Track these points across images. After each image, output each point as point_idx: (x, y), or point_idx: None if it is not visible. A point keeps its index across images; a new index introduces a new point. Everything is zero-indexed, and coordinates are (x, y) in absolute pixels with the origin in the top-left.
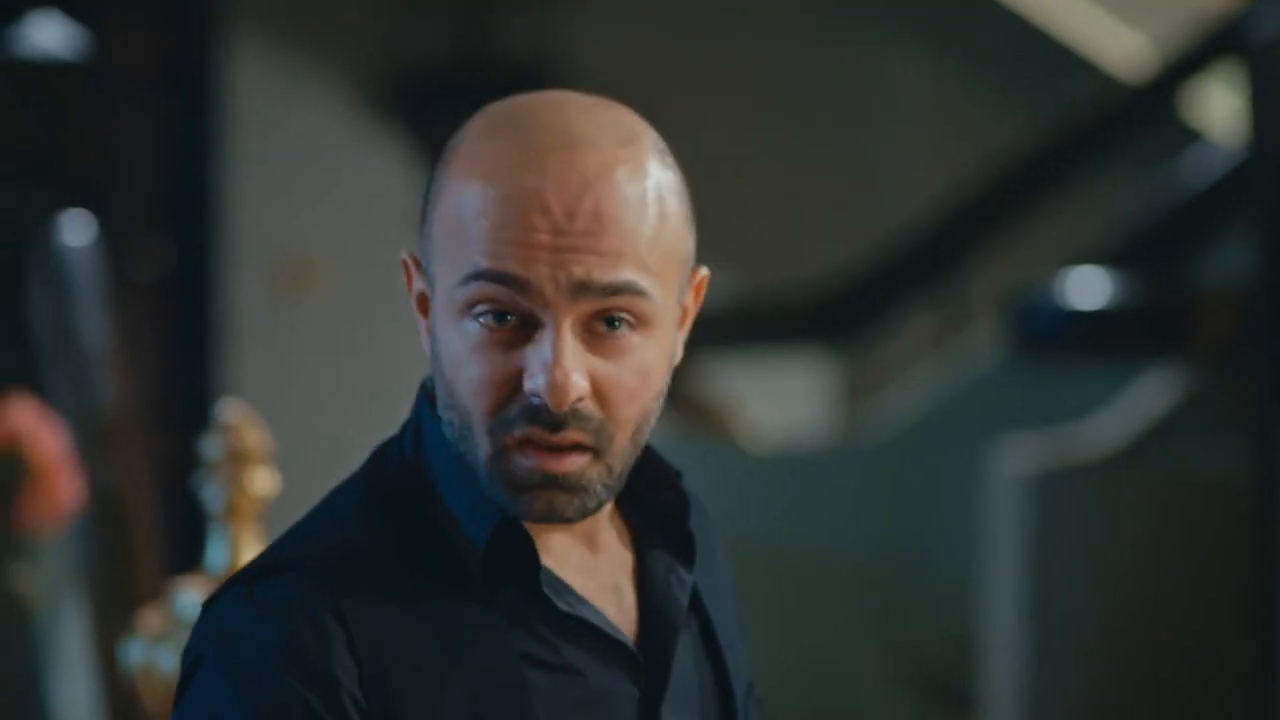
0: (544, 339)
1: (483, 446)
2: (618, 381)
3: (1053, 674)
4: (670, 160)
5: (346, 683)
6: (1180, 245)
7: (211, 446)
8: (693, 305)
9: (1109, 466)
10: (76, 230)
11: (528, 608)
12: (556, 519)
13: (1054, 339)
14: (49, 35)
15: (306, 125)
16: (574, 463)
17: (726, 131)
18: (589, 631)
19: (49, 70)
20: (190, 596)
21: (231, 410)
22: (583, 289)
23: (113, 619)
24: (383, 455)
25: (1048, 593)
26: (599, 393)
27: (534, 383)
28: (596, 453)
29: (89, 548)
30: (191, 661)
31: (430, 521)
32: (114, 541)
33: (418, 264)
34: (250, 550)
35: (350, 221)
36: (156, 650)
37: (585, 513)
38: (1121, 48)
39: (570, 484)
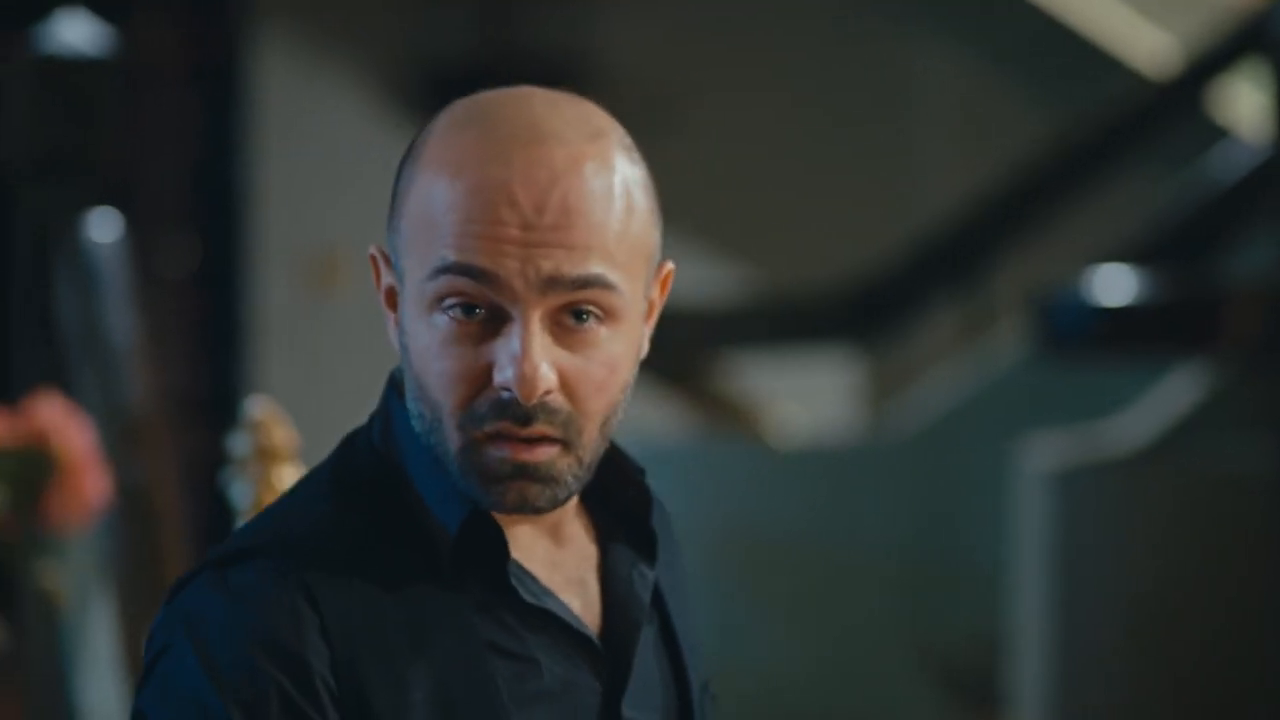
0: (513, 332)
1: (453, 440)
2: (585, 374)
3: (1079, 671)
4: (636, 155)
5: (319, 667)
6: (1207, 243)
7: (239, 443)
8: (659, 299)
9: (1135, 463)
10: (103, 227)
11: (495, 598)
12: (528, 509)
13: (1080, 336)
14: (75, 32)
15: (332, 121)
16: (544, 453)
17: (753, 128)
18: (553, 624)
19: (76, 67)
20: None
21: (259, 407)
22: (551, 283)
23: (140, 616)
24: (351, 444)
25: (1074, 589)
26: (567, 386)
27: (503, 376)
28: (566, 444)
29: (116, 545)
30: (161, 646)
31: (400, 508)
32: (141, 538)
33: (386, 258)
34: None
35: (376, 217)
36: None
37: (556, 503)
38: (1148, 45)
39: (541, 475)
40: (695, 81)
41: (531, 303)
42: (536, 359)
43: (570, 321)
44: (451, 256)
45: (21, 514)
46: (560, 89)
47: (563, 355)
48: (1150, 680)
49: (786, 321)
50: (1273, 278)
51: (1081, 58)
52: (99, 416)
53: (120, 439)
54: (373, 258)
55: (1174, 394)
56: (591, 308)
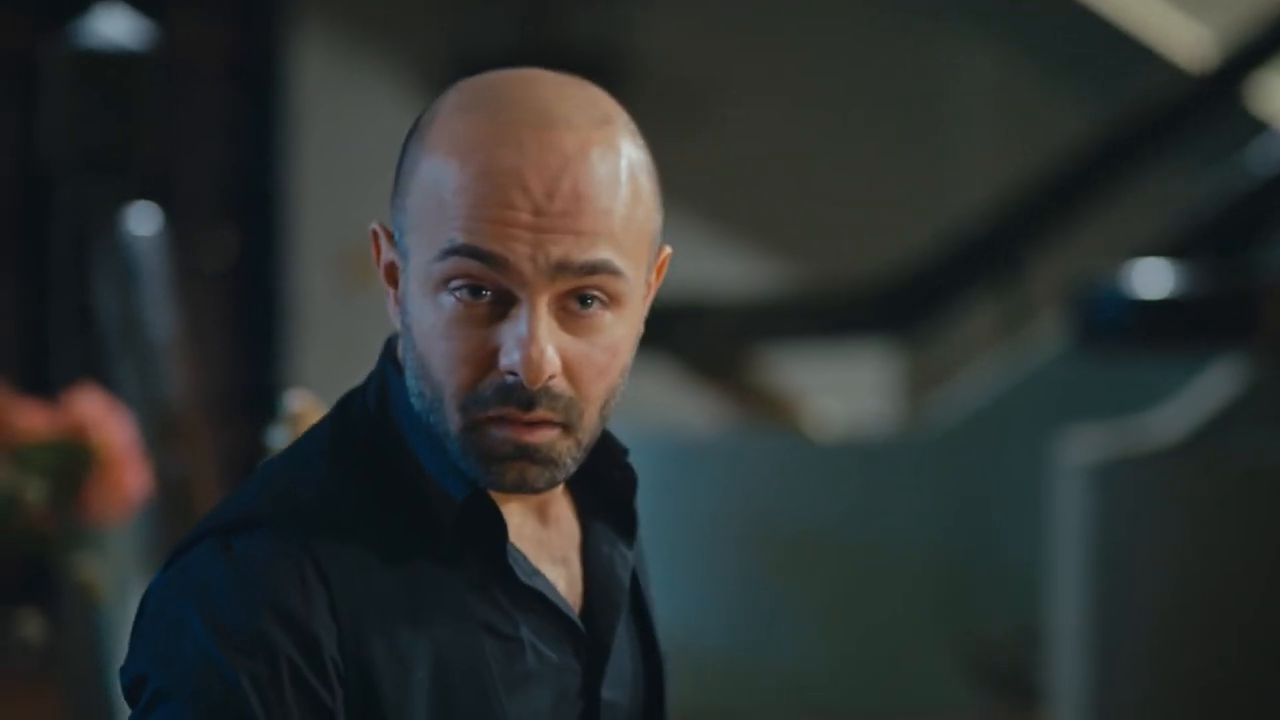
0: (519, 316)
1: (454, 420)
2: (588, 359)
3: (1118, 664)
4: (640, 140)
5: (328, 643)
6: (1245, 237)
7: (278, 436)
8: (655, 282)
9: (1173, 457)
10: (143, 221)
11: (488, 575)
12: (527, 490)
13: (1118, 330)
14: (115, 27)
15: (370, 117)
16: (545, 435)
17: (790, 123)
18: (541, 605)
19: (115, 62)
20: None
21: (298, 399)
22: (561, 268)
23: None
24: (347, 409)
25: (1113, 582)
26: (570, 370)
27: (509, 359)
28: (566, 427)
29: (155, 538)
30: (160, 609)
31: (398, 478)
32: (181, 530)
33: (389, 235)
34: None
35: None
36: None
37: (553, 484)
38: (1185, 39)
39: (541, 456)
40: (732, 77)
41: (539, 287)
42: (543, 344)
43: (575, 306)
44: (461, 239)
45: (61, 507)
46: (597, 84)
47: (567, 340)
48: (1187, 674)
49: (824, 316)
50: None
51: (1118, 51)
52: (138, 410)
53: (159, 432)
54: (374, 234)
55: (1211, 388)
56: (597, 293)
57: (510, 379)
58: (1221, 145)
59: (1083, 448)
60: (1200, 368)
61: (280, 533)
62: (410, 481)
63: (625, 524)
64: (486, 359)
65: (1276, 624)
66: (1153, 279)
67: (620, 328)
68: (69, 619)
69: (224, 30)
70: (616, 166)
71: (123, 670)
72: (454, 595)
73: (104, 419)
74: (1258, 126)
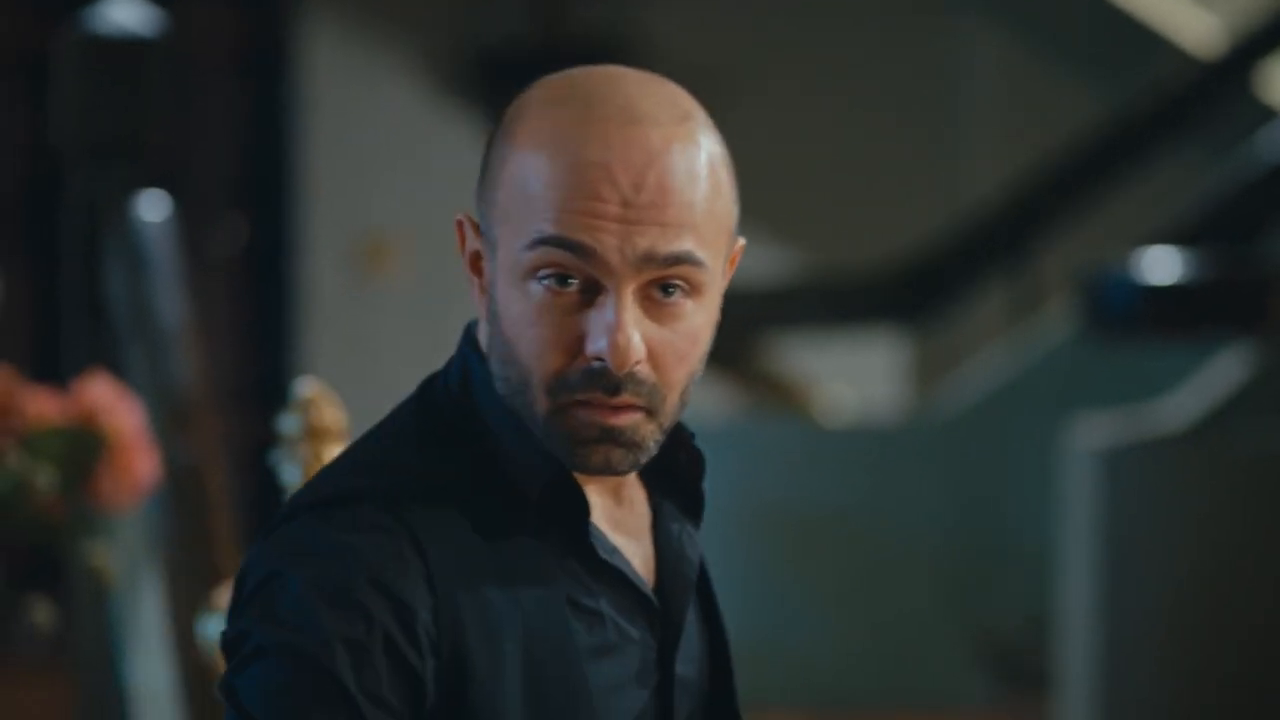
0: (606, 304)
1: (540, 404)
2: (671, 346)
3: (1127, 651)
4: (718, 135)
5: (422, 614)
6: (1253, 225)
7: (289, 423)
8: (729, 272)
9: (1183, 443)
10: (154, 208)
11: (569, 553)
12: (611, 472)
13: (1127, 318)
14: (126, 14)
15: (382, 105)
16: (630, 418)
17: (801, 111)
18: (620, 581)
19: (126, 49)
20: None
21: (309, 387)
22: (647, 259)
23: (190, 595)
24: (430, 391)
25: (1122, 569)
26: (653, 356)
27: (597, 345)
28: (649, 412)
29: (166, 525)
30: (265, 574)
31: (484, 459)
32: (190, 519)
33: (475, 226)
34: None
35: (426, 201)
36: None
37: (635, 466)
38: (1196, 27)
39: (626, 439)
40: (743, 66)
41: (626, 277)
42: (629, 331)
43: (659, 295)
44: (551, 230)
45: (71, 494)
46: (605, 67)
47: (651, 327)
48: (1196, 660)
49: (834, 302)
50: None
51: (1128, 39)
52: (148, 397)
53: (169, 420)
54: (459, 224)
55: (1219, 375)
56: (680, 282)
57: (597, 364)
58: (1230, 133)
59: (1092, 434)
60: (1209, 355)
61: (377, 507)
62: (494, 461)
63: (692, 505)
64: (574, 345)
65: None
66: (1162, 267)
67: (700, 316)
68: (79, 606)
69: (235, 18)
70: (698, 161)
71: (226, 623)
72: (538, 570)
73: (114, 406)
74: (1266, 114)
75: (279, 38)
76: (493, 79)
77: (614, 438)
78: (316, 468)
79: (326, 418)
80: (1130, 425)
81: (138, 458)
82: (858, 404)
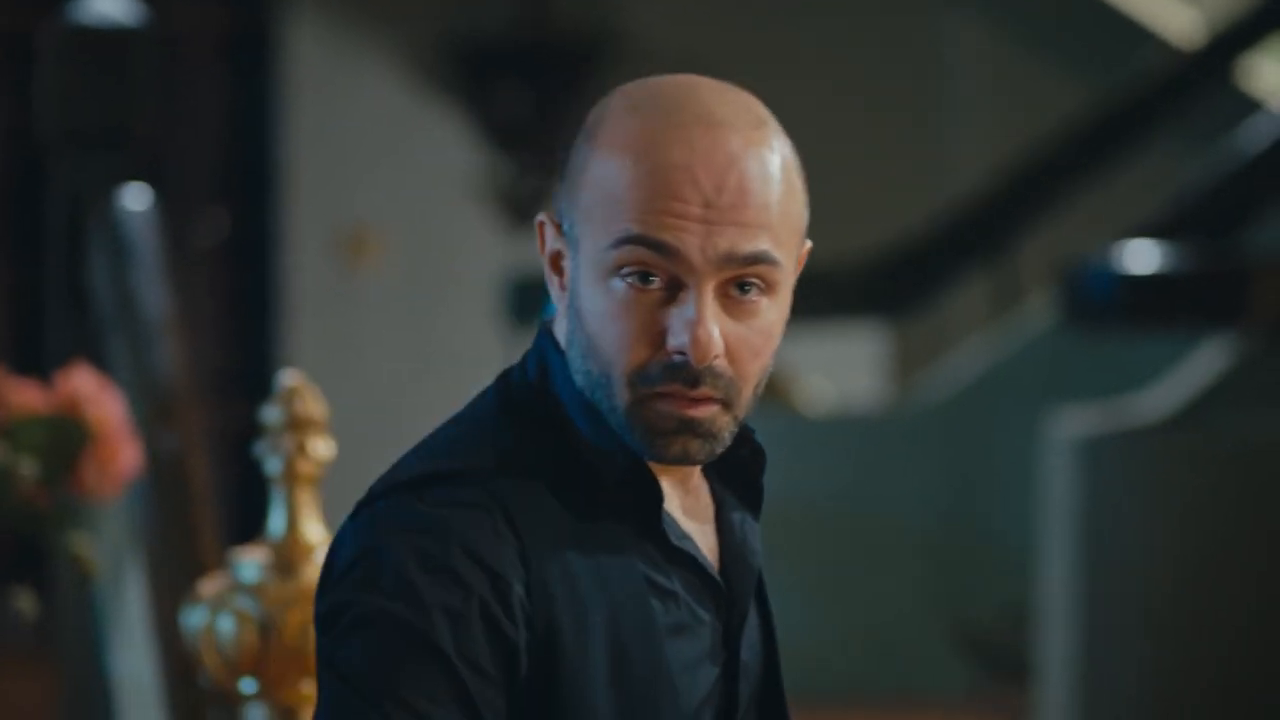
0: (688, 301)
1: (621, 396)
2: (747, 342)
3: (1106, 640)
4: (789, 140)
5: (517, 588)
6: (1234, 216)
7: (272, 414)
8: (797, 271)
9: (1162, 433)
10: (137, 198)
11: (645, 537)
12: (688, 461)
13: (1108, 309)
14: (112, 4)
15: (366, 96)
16: (708, 410)
17: (783, 102)
18: (691, 565)
19: (110, 38)
20: (250, 563)
21: (291, 378)
22: (727, 259)
23: (173, 585)
24: (507, 382)
25: (1101, 559)
26: (730, 352)
27: (678, 340)
28: (726, 404)
29: (148, 515)
30: (363, 548)
31: (565, 446)
32: (173, 509)
33: (557, 226)
34: (310, 516)
35: (409, 191)
36: (217, 616)
37: (711, 457)
38: (1177, 20)
39: (703, 430)
40: (726, 59)
41: (707, 275)
42: (710, 326)
43: (736, 293)
44: (635, 229)
45: (54, 484)
46: (591, 66)
47: (728, 324)
48: (1176, 649)
49: (816, 293)
50: None
51: (1112, 31)
52: (131, 387)
53: (152, 410)
54: (540, 224)
55: (1200, 366)
56: (756, 281)
57: (678, 358)
58: (1212, 125)
59: (1072, 425)
60: (1189, 346)
61: (470, 487)
62: (573, 449)
63: (752, 498)
64: (655, 340)
65: (1264, 600)
66: (1143, 258)
67: (774, 313)
68: (62, 596)
69: (220, 10)
70: (774, 164)
71: (319, 600)
72: (619, 551)
73: (97, 397)
74: (1247, 106)
75: (263, 30)
76: (476, 71)
77: (692, 429)
78: (300, 459)
79: (309, 409)
80: (1111, 416)
81: (120, 448)
82: (839, 395)
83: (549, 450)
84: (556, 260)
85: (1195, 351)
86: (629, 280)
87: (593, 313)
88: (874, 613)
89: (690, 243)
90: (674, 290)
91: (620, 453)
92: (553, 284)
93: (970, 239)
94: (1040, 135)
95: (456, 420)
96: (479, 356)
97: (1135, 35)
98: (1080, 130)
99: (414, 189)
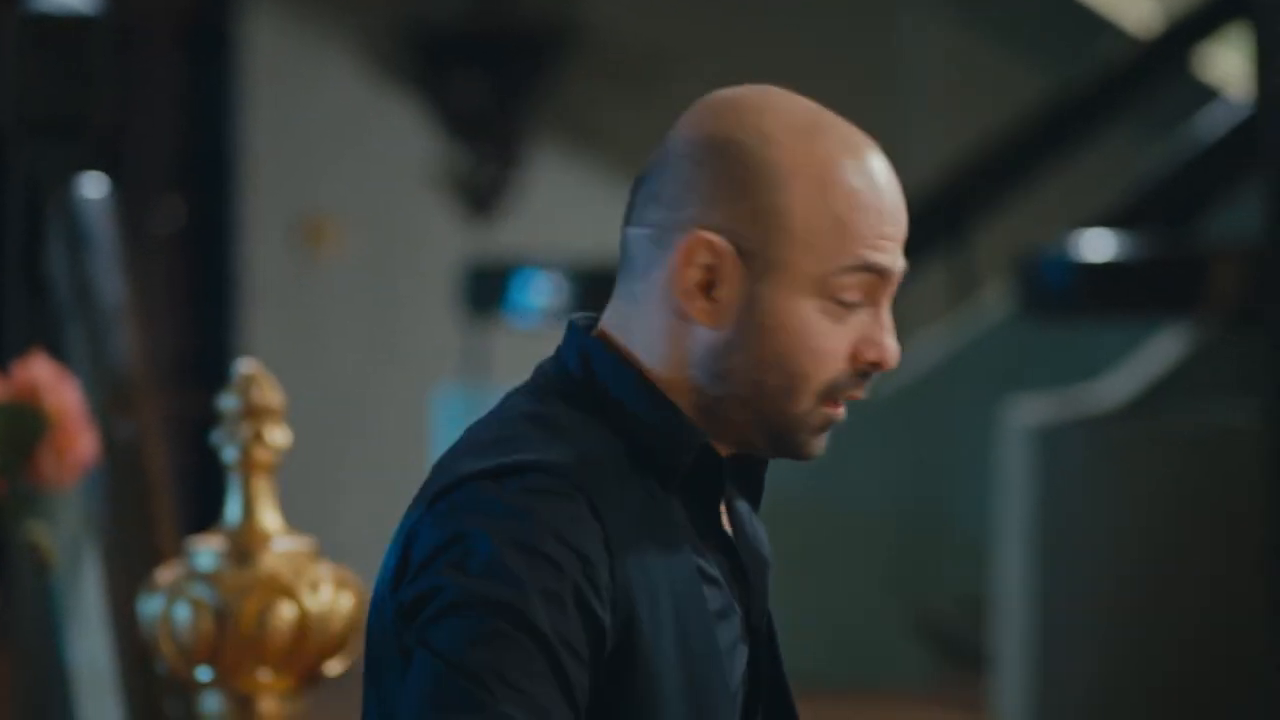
0: (876, 316)
1: (801, 403)
2: None
3: (1063, 628)
4: None
5: (603, 572)
6: (1192, 205)
7: (229, 401)
8: None
9: (1120, 420)
10: (95, 187)
11: (691, 521)
12: (816, 456)
13: (1065, 297)
14: None
15: (324, 84)
16: (844, 410)
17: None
18: (727, 551)
19: (68, 26)
20: (206, 551)
21: (248, 366)
22: (899, 276)
23: (130, 573)
24: (546, 377)
25: (1059, 546)
26: None
27: (875, 352)
28: None
29: (106, 503)
30: (450, 536)
31: (622, 436)
32: (131, 497)
33: (730, 248)
34: (267, 504)
35: (368, 180)
36: (174, 604)
37: None
38: (1136, 9)
39: (836, 427)
40: (682, 47)
41: (890, 292)
42: (893, 338)
43: None
44: (870, 257)
45: (11, 472)
46: (549, 55)
47: None
48: (1132, 637)
49: None
50: (1255, 239)
51: (1070, 20)
52: (89, 376)
53: (110, 399)
54: (702, 242)
55: (1157, 354)
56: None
57: (870, 368)
58: (1169, 114)
59: (1030, 413)
60: (1146, 334)
61: (551, 476)
62: (631, 438)
63: (754, 491)
64: (849, 352)
65: (1219, 586)
66: (1100, 246)
67: None
68: (19, 584)
69: None
70: None
71: (400, 589)
72: (675, 536)
73: (54, 385)
74: (1205, 95)
75: (221, 18)
76: (435, 60)
77: (832, 426)
78: (256, 447)
79: (266, 397)
80: (1068, 404)
81: (78, 437)
82: None
83: (609, 442)
84: (709, 275)
85: (1152, 339)
86: (839, 300)
87: (788, 328)
88: (832, 601)
89: (895, 264)
90: (861, 307)
91: (690, 438)
92: (692, 300)
93: (928, 228)
94: (998, 124)
95: (502, 416)
96: (437, 345)
97: (1093, 24)
98: (1038, 119)
99: (372, 178)
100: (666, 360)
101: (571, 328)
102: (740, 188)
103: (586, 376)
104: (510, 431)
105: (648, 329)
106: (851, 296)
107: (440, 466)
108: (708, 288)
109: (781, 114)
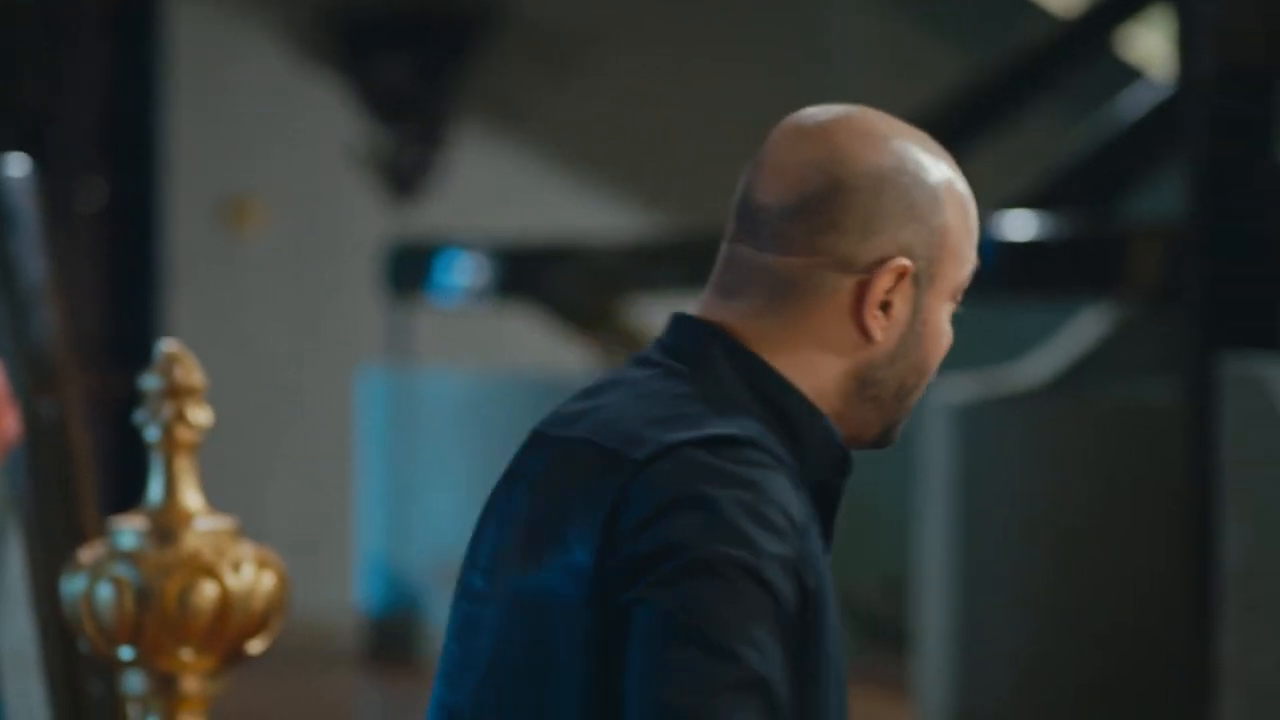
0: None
1: (917, 396)
2: None
3: (984, 607)
4: None
5: (809, 544)
6: (1113, 185)
7: (151, 381)
8: None
9: (1039, 399)
10: (18, 166)
11: (819, 511)
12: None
13: (986, 277)
14: None
15: (248, 66)
16: None
17: (667, 73)
18: (827, 544)
19: None
20: (128, 530)
21: (171, 346)
22: None
23: (53, 553)
24: (679, 374)
25: (979, 525)
26: None
27: (949, 343)
28: None
29: (29, 482)
30: (677, 498)
31: (784, 429)
32: (54, 476)
33: (914, 266)
34: (189, 483)
35: (291, 161)
36: (96, 584)
37: None
38: None
39: None
40: (608, 28)
41: None
42: None
43: None
44: (974, 260)
45: None
46: (472, 35)
47: None
48: (1052, 615)
49: (700, 264)
50: (1175, 220)
51: (993, 0)
52: (11, 355)
53: (33, 377)
54: (905, 269)
55: (1078, 333)
56: None
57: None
58: (1090, 95)
59: (950, 393)
60: (1067, 314)
61: (763, 452)
62: (793, 433)
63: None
64: None
65: (1137, 563)
66: (1021, 227)
67: None
68: None
69: None
70: None
71: (627, 545)
72: (817, 528)
73: None
74: (1127, 76)
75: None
76: (358, 42)
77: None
78: (179, 426)
79: (188, 377)
80: (989, 383)
81: (2, 415)
82: None
83: (775, 432)
84: (888, 294)
85: (1073, 319)
86: (958, 303)
87: (937, 334)
88: None
89: None
90: None
91: (836, 435)
92: (874, 319)
93: None
94: (919, 104)
95: (669, 395)
96: (359, 325)
97: (1015, 4)
98: (959, 99)
99: (296, 159)
100: (821, 377)
101: (710, 333)
102: (918, 213)
103: (735, 372)
104: (685, 409)
105: (811, 347)
106: (961, 296)
107: (612, 433)
108: (884, 305)
109: (912, 138)
